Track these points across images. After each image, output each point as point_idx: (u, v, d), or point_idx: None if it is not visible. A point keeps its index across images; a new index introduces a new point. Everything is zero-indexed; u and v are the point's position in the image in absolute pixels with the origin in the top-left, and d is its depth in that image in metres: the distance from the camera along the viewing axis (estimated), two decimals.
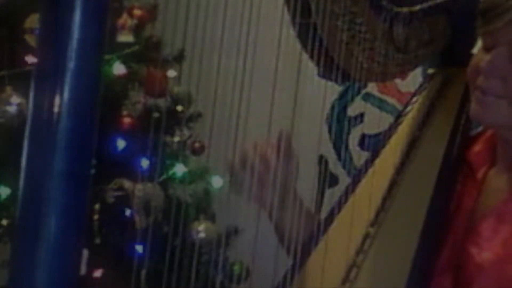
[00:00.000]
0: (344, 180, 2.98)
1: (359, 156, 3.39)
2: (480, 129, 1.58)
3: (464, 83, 1.54)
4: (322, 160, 3.34)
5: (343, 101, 3.44)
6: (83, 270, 2.41)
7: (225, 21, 1.39)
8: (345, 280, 1.43)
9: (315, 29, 1.41)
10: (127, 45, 2.78)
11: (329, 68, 1.45)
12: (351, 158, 3.46)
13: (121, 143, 2.71)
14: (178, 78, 2.92)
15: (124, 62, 2.74)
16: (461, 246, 1.44)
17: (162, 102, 2.88)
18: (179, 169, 2.91)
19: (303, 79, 1.50)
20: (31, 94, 0.88)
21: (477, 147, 1.54)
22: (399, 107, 3.25)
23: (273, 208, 1.58)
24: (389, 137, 1.62)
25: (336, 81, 1.49)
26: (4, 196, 2.51)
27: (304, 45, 1.43)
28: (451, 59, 1.64)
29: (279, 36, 1.42)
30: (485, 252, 1.41)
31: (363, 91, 3.43)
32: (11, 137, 2.48)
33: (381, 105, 3.41)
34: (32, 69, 2.45)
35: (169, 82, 2.88)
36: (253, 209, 1.58)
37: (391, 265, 1.42)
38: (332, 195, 1.69)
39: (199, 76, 1.53)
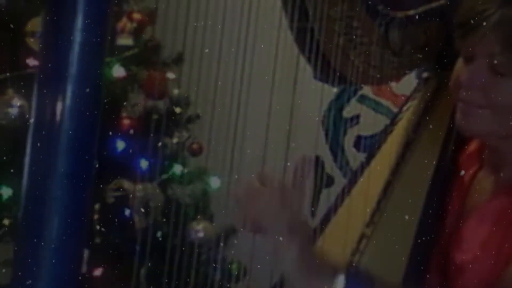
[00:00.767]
0: (340, 181, 2.98)
1: (355, 157, 3.39)
2: None
3: None
4: (318, 161, 3.34)
5: (338, 103, 3.45)
6: (83, 269, 2.41)
7: (223, 25, 1.39)
8: None
9: (312, 33, 1.41)
10: (127, 48, 2.77)
11: (326, 71, 1.46)
12: (346, 159, 3.46)
13: (120, 144, 2.71)
14: (177, 81, 2.92)
15: (124, 65, 2.73)
16: (446, 248, 1.44)
17: (161, 104, 2.88)
18: (178, 170, 2.91)
19: (300, 81, 1.50)
20: (34, 97, 0.88)
21: (467, 150, 1.55)
22: (394, 109, 3.26)
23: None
24: (385, 139, 1.62)
25: (332, 84, 1.49)
26: (6, 196, 2.50)
27: (301, 49, 1.43)
28: (445, 63, 1.64)
29: (277, 39, 1.42)
30: (465, 253, 1.41)
31: (359, 93, 3.43)
32: (12, 139, 2.48)
33: (376, 107, 3.41)
34: (34, 71, 2.45)
35: (168, 84, 2.88)
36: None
37: (386, 264, 1.42)
38: (328, 195, 1.69)
39: (197, 78, 1.53)
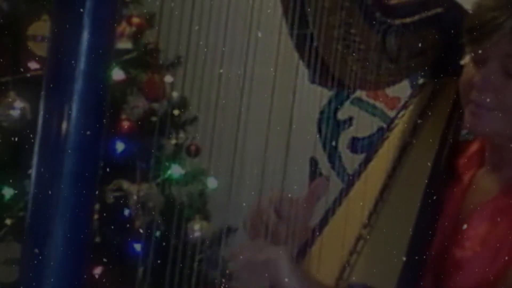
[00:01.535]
0: (334, 181, 2.98)
1: (349, 158, 3.39)
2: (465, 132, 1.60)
3: (453, 92, 1.56)
4: (313, 162, 3.34)
5: (333, 105, 3.45)
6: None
7: (221, 30, 1.40)
8: (339, 279, 1.43)
9: (311, 39, 1.42)
10: (126, 51, 2.78)
11: (324, 76, 1.46)
12: (340, 160, 3.46)
13: (120, 146, 2.71)
14: (175, 84, 2.92)
15: (123, 68, 2.74)
16: (444, 247, 1.45)
17: (159, 107, 2.88)
18: (176, 171, 2.91)
19: (298, 85, 1.50)
20: (42, 100, 0.88)
21: (465, 152, 1.56)
22: (387, 111, 3.27)
23: None
24: (381, 142, 1.63)
25: (331, 88, 1.49)
26: (8, 196, 2.51)
27: (301, 54, 1.43)
28: (441, 69, 1.65)
29: (277, 45, 1.42)
30: (466, 250, 1.42)
31: (353, 96, 3.44)
32: (14, 140, 2.48)
33: (370, 109, 3.42)
34: (35, 74, 2.45)
35: (167, 87, 2.88)
36: (247, 210, 1.58)
37: (383, 265, 1.43)
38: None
39: (195, 81, 1.53)
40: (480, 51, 1.42)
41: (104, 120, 0.90)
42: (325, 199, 1.54)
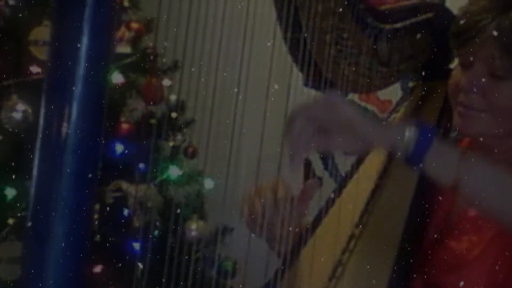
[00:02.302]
0: (328, 182, 2.98)
1: (342, 159, 3.38)
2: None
3: (442, 95, 1.56)
4: (307, 163, 3.33)
5: None
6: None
7: (216, 35, 1.40)
8: (332, 277, 1.43)
9: (305, 43, 1.42)
10: (125, 56, 2.78)
11: (317, 79, 1.46)
12: (333, 162, 3.45)
13: (119, 148, 2.71)
14: (173, 87, 2.92)
15: (123, 71, 2.74)
16: (438, 243, 1.45)
17: (158, 109, 2.88)
18: (174, 172, 2.91)
19: (293, 88, 1.50)
20: (42, 103, 0.88)
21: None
22: (379, 114, 3.26)
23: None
24: None
25: (323, 91, 1.49)
26: (10, 196, 2.51)
27: (294, 58, 1.43)
28: (430, 73, 1.65)
29: (272, 49, 1.42)
30: (462, 243, 1.43)
31: (346, 99, 3.43)
32: (16, 142, 2.48)
33: (362, 112, 3.42)
34: (37, 78, 2.45)
35: (165, 90, 2.88)
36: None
37: (374, 263, 1.43)
38: (318, 196, 1.69)
39: (193, 85, 1.53)
40: (466, 55, 1.43)
41: (103, 122, 0.90)
42: (318, 199, 1.55)
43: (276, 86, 1.52)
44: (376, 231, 1.47)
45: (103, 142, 0.90)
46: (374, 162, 1.58)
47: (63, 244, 0.88)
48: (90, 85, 0.88)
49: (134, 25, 2.80)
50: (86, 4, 0.87)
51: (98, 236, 2.55)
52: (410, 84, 1.69)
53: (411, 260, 1.42)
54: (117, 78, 2.71)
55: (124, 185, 2.66)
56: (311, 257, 1.46)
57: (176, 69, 2.83)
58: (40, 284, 0.87)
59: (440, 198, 1.50)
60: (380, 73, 1.53)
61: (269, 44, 1.40)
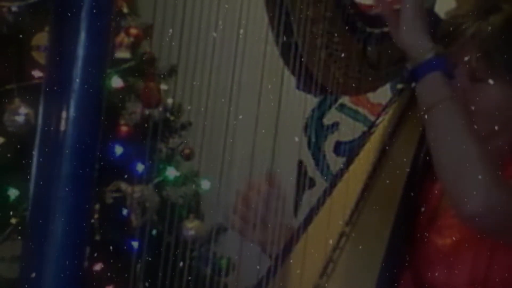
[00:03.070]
0: (321, 183, 2.98)
1: (334, 161, 3.39)
2: None
3: None
4: (301, 165, 3.34)
5: (319, 111, 3.45)
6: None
7: (214, 40, 1.40)
8: (323, 274, 1.44)
9: (296, 47, 1.42)
10: (124, 60, 2.78)
11: (309, 82, 1.46)
12: (326, 163, 3.46)
13: (118, 149, 2.70)
14: (170, 91, 2.92)
15: (122, 76, 2.74)
16: (424, 238, 1.45)
17: (156, 113, 2.88)
18: (171, 173, 2.91)
19: (285, 91, 1.51)
20: (41, 106, 0.88)
21: None
22: (370, 116, 3.26)
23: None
24: (363, 145, 1.63)
25: (315, 94, 1.50)
26: (13, 197, 2.51)
27: (286, 62, 1.44)
28: None
29: (264, 53, 1.42)
30: (446, 238, 1.43)
31: (338, 102, 3.44)
32: (19, 144, 2.49)
33: (354, 115, 3.42)
34: (39, 82, 2.45)
35: (163, 94, 2.88)
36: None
37: (364, 260, 1.43)
38: (310, 196, 1.69)
39: (189, 89, 1.53)
40: (450, 57, 1.44)
41: (101, 124, 0.90)
42: (310, 199, 1.55)
43: (269, 86, 1.52)
44: (366, 229, 1.48)
45: (103, 144, 0.90)
46: (363, 162, 1.58)
47: (61, 244, 0.88)
48: (88, 88, 0.88)
49: (133, 31, 2.80)
50: (85, 9, 0.87)
51: (98, 235, 2.55)
52: (399, 86, 1.69)
53: (400, 257, 1.42)
54: (116, 82, 2.71)
55: (123, 185, 2.65)
56: (303, 255, 1.46)
57: (174, 73, 2.83)
58: (39, 283, 0.87)
59: (429, 196, 1.51)
60: (369, 76, 1.53)
61: (261, 48, 1.40)
